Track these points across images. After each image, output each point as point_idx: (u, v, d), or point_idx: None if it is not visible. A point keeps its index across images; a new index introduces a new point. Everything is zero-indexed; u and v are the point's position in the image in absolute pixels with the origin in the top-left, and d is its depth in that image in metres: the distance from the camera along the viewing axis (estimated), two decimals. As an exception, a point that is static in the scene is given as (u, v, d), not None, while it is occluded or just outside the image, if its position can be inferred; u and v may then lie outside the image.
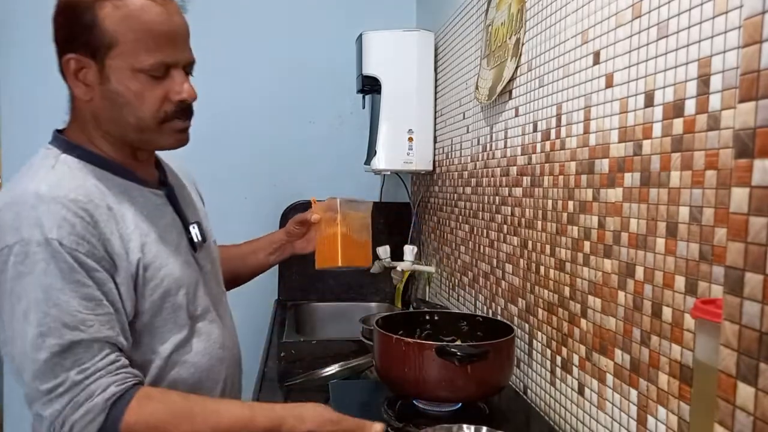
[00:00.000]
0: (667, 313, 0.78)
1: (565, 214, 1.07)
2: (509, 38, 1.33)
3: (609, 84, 0.92)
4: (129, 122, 0.91)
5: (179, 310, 0.95)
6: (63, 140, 0.94)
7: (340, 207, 1.16)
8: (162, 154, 1.08)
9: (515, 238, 1.32)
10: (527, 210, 1.25)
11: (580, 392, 1.02)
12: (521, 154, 1.28)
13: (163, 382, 0.94)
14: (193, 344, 0.98)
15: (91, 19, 0.86)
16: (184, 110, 0.93)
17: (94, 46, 0.87)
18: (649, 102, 0.81)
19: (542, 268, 1.17)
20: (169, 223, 0.98)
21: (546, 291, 1.16)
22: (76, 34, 0.87)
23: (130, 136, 0.93)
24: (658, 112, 0.80)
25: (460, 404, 1.09)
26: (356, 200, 1.25)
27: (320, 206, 1.26)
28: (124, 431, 0.81)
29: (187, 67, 0.94)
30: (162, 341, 0.94)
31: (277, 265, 2.29)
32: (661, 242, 0.79)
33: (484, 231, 1.53)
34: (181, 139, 0.96)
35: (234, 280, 1.30)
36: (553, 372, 1.13)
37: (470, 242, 1.66)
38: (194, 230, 1.03)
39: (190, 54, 0.94)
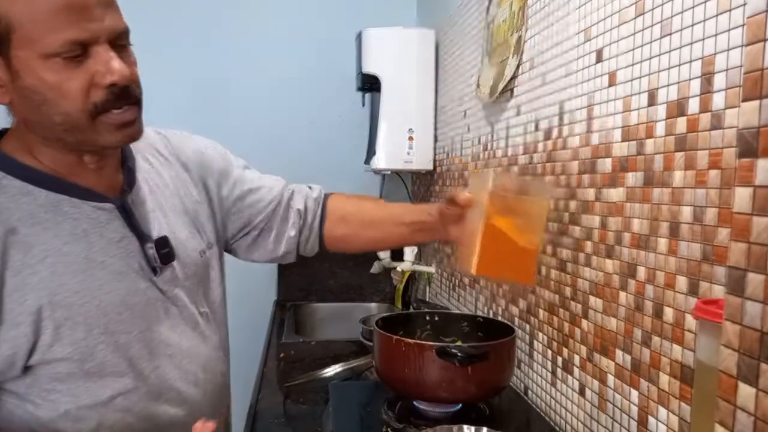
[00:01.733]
0: (668, 313, 0.78)
1: (566, 214, 1.07)
2: (511, 35, 1.32)
3: (612, 82, 0.91)
4: (55, 122, 0.74)
5: (114, 349, 0.80)
6: None
7: (491, 187, 0.77)
8: (158, 136, 0.97)
9: (516, 237, 1.32)
10: (528, 209, 1.25)
11: (581, 393, 1.01)
12: (523, 153, 1.28)
13: None
14: (140, 392, 0.84)
15: None
16: (119, 95, 0.75)
17: None
18: (652, 100, 0.81)
19: (543, 268, 1.17)
20: (113, 242, 0.82)
21: (547, 291, 1.15)
22: None
23: (66, 139, 0.77)
24: (661, 110, 0.79)
25: (461, 405, 1.09)
26: (529, 179, 0.82)
27: (476, 180, 0.90)
28: None
29: (117, 39, 0.75)
30: (99, 391, 0.80)
31: (276, 265, 2.32)
32: (663, 242, 0.78)
33: (485, 230, 1.53)
34: (127, 134, 0.78)
35: (361, 247, 1.13)
36: (554, 373, 1.12)
37: (471, 242, 1.65)
38: (151, 251, 0.84)
39: (114, 21, 0.74)
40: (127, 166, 0.88)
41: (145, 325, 0.84)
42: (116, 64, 0.73)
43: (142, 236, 0.85)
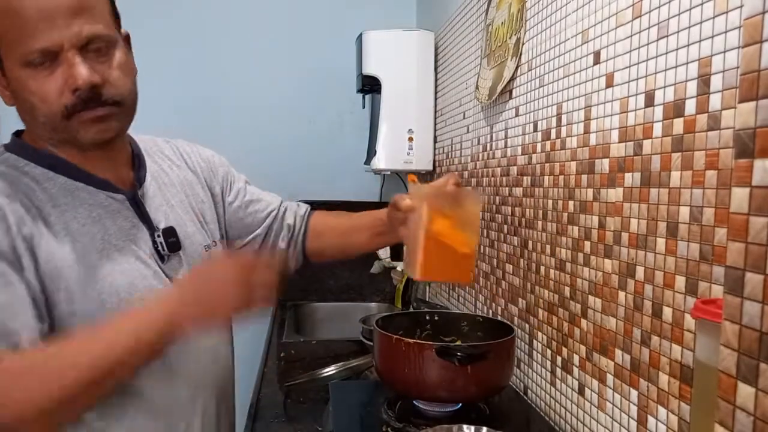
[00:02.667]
0: (667, 313, 0.78)
1: (565, 214, 1.07)
2: (509, 38, 1.32)
3: (609, 84, 0.92)
4: (41, 122, 0.81)
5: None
6: (12, 140, 0.88)
7: (427, 198, 0.82)
8: (167, 144, 1.03)
9: (515, 238, 1.32)
10: (527, 210, 1.25)
11: (581, 392, 1.02)
12: (521, 154, 1.28)
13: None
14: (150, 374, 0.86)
15: None
16: (86, 99, 0.79)
17: None
18: (650, 102, 0.81)
19: (542, 268, 1.17)
20: (124, 230, 0.87)
21: (546, 291, 1.16)
22: None
23: (54, 137, 0.84)
24: (658, 111, 0.79)
25: (460, 405, 1.09)
26: (460, 189, 0.89)
27: (416, 189, 0.92)
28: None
29: (90, 44, 0.79)
30: None
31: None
32: (661, 242, 0.79)
33: (485, 231, 1.53)
34: (102, 129, 0.82)
35: (322, 253, 1.19)
36: (553, 372, 1.13)
37: (470, 242, 1.66)
38: (159, 239, 0.90)
39: (82, 28, 0.77)
40: (137, 165, 0.94)
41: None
42: (79, 69, 0.78)
43: (150, 226, 0.90)
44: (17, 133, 0.89)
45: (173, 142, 1.07)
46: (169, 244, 0.91)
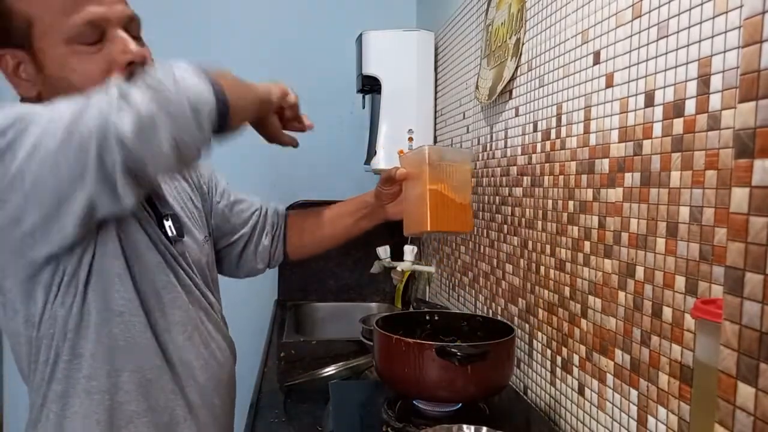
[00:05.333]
0: (667, 313, 0.78)
1: (565, 214, 1.07)
2: (509, 38, 1.33)
3: (609, 84, 0.92)
4: None
5: (131, 324, 0.83)
6: None
7: (429, 157, 0.91)
8: None
9: (515, 238, 1.32)
10: (527, 210, 1.25)
11: (581, 392, 1.02)
12: (521, 154, 1.28)
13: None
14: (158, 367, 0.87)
15: (2, 7, 0.76)
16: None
17: (17, 34, 0.77)
18: (650, 102, 0.81)
19: (542, 268, 1.17)
20: (135, 214, 0.86)
21: (546, 291, 1.16)
22: None
23: None
24: (658, 111, 0.80)
25: (460, 404, 1.09)
26: (452, 149, 0.99)
27: (408, 159, 1.01)
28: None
29: (129, 26, 0.81)
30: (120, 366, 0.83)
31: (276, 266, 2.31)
32: (661, 242, 0.79)
33: (484, 231, 1.53)
34: None
35: (303, 247, 1.20)
36: (553, 372, 1.13)
37: (470, 242, 1.66)
38: (168, 222, 0.91)
39: (124, 9, 0.80)
40: None
41: (166, 294, 0.87)
42: (132, 45, 0.78)
43: (157, 213, 0.91)
44: None
45: None
46: (176, 229, 0.92)
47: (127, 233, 0.84)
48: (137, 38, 0.82)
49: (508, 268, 1.37)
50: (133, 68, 0.79)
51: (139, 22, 0.83)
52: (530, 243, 1.24)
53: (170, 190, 0.98)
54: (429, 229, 0.92)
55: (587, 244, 0.99)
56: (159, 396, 0.87)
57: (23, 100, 0.83)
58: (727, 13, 0.67)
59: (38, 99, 0.80)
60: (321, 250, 1.24)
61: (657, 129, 0.80)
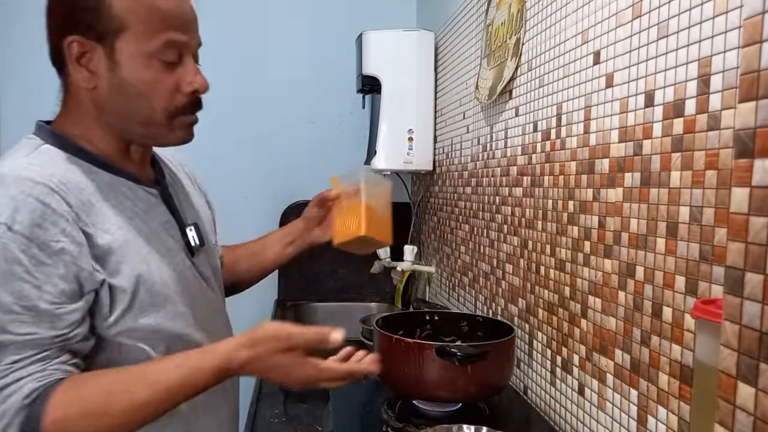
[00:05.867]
0: (667, 313, 0.78)
1: (565, 214, 1.07)
2: (509, 38, 1.33)
3: (609, 84, 0.92)
4: (139, 114, 0.84)
5: (163, 319, 0.85)
6: (48, 131, 0.86)
7: (365, 177, 1.04)
8: (164, 150, 1.02)
9: (515, 238, 1.32)
10: (527, 210, 1.25)
11: (581, 392, 1.02)
12: (521, 154, 1.28)
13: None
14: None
15: (96, 1, 0.80)
16: (195, 103, 0.87)
17: (101, 29, 0.80)
18: (650, 102, 0.81)
19: (542, 268, 1.17)
20: (161, 223, 0.89)
21: (546, 291, 1.16)
22: (79, 17, 0.80)
23: (134, 131, 0.86)
24: (658, 112, 0.80)
25: (460, 404, 1.09)
26: (377, 176, 1.13)
27: (340, 182, 1.13)
28: (49, 429, 0.71)
29: (196, 53, 0.89)
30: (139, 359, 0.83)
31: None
32: (661, 242, 0.79)
33: (484, 231, 1.53)
34: (188, 134, 0.89)
35: (237, 283, 1.19)
36: (553, 372, 1.13)
37: (470, 242, 1.66)
38: (191, 233, 0.93)
39: (199, 38, 0.90)
40: (156, 163, 0.97)
41: (190, 301, 0.89)
42: (200, 77, 0.86)
43: (180, 221, 0.93)
44: (44, 122, 0.88)
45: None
46: (199, 238, 0.95)
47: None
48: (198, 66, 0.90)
49: (508, 268, 1.37)
50: (195, 97, 0.86)
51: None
52: (530, 243, 1.24)
53: (186, 197, 1.01)
54: (364, 233, 1.01)
55: (587, 244, 0.99)
56: None
57: (69, 87, 0.85)
58: (727, 13, 0.67)
59: (93, 90, 0.83)
60: (253, 281, 1.24)
61: (657, 129, 0.80)
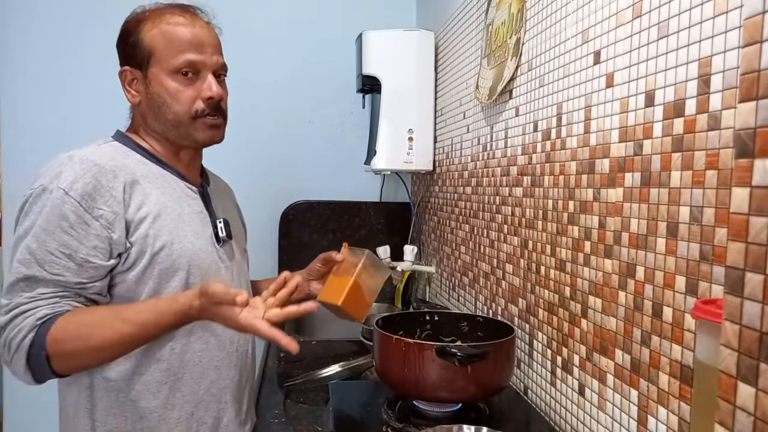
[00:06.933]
0: (667, 313, 0.78)
1: (565, 214, 1.07)
2: (509, 38, 1.32)
3: (609, 84, 0.92)
4: (167, 119, 1.07)
5: (184, 283, 1.03)
6: (119, 133, 1.12)
7: (364, 260, 1.12)
8: (222, 179, 1.30)
9: (515, 238, 1.32)
10: (527, 210, 1.25)
11: (581, 393, 1.02)
12: (521, 154, 1.28)
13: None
14: (197, 334, 1.06)
15: (136, 37, 1.06)
16: (213, 107, 1.08)
17: (139, 59, 1.06)
18: (650, 102, 0.81)
19: (543, 268, 1.17)
20: (195, 212, 1.09)
21: (546, 291, 1.16)
22: (128, 51, 1.08)
23: (170, 132, 1.08)
24: (658, 111, 0.79)
25: (460, 405, 1.09)
26: (380, 263, 1.21)
27: (348, 252, 1.22)
28: (50, 343, 0.92)
29: (218, 71, 1.10)
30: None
31: (276, 266, 2.32)
32: (661, 242, 0.79)
33: (485, 231, 1.53)
34: (214, 134, 1.10)
35: None
36: (553, 372, 1.13)
37: (470, 242, 1.66)
38: (220, 224, 1.13)
39: (219, 59, 1.10)
40: (204, 174, 1.21)
41: (206, 277, 1.05)
42: (215, 86, 1.08)
43: (213, 215, 1.14)
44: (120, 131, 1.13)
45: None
46: (226, 232, 1.14)
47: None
48: (221, 80, 1.12)
49: (509, 268, 1.37)
50: (211, 102, 1.07)
51: (226, 69, 1.13)
52: (530, 243, 1.24)
53: (226, 208, 1.23)
54: (340, 304, 1.08)
55: (587, 244, 0.99)
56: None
57: (131, 105, 1.12)
58: (727, 13, 0.67)
59: (138, 105, 1.09)
60: None
61: (657, 129, 0.80)
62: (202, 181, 1.18)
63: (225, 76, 1.14)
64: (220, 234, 1.13)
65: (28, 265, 0.95)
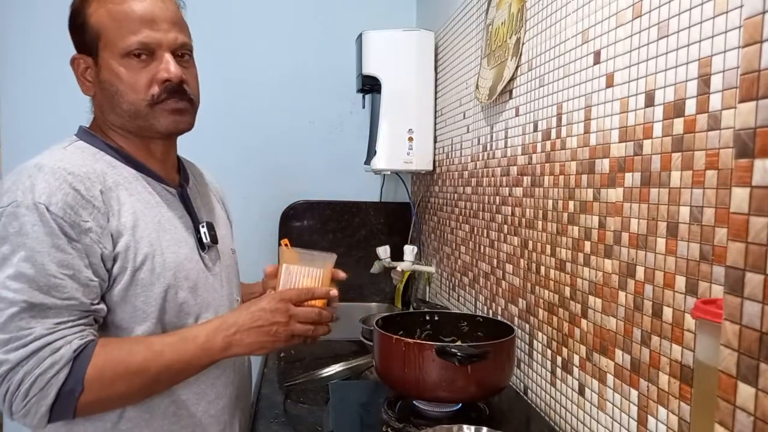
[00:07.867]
0: (667, 313, 0.78)
1: (565, 214, 1.07)
2: (509, 38, 1.32)
3: (609, 84, 0.92)
4: (123, 109, 0.94)
5: (169, 299, 0.93)
6: (83, 131, 0.99)
7: (281, 263, 1.04)
8: (198, 166, 1.17)
9: (515, 238, 1.32)
10: (527, 210, 1.25)
11: (581, 393, 1.02)
12: (521, 154, 1.28)
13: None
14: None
15: (82, 19, 0.93)
16: (174, 90, 0.94)
17: (88, 44, 0.94)
18: (650, 102, 0.81)
19: (543, 269, 1.17)
20: (176, 216, 0.98)
21: (546, 291, 1.16)
22: (77, 37, 0.95)
23: (129, 124, 0.96)
24: (658, 111, 0.79)
25: (461, 405, 1.09)
26: (314, 255, 1.10)
27: (287, 251, 1.09)
28: (90, 379, 0.83)
29: (178, 51, 0.95)
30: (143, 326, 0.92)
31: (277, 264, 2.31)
32: (661, 242, 0.79)
33: (485, 231, 1.53)
34: (177, 120, 0.96)
35: None
36: (553, 372, 1.13)
37: (470, 242, 1.66)
38: (203, 229, 1.02)
39: (177, 36, 0.95)
40: (181, 169, 1.08)
41: (192, 287, 0.97)
42: (172, 66, 0.93)
43: (195, 219, 1.02)
44: (85, 126, 1.01)
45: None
46: (211, 236, 1.03)
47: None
48: (184, 59, 0.97)
49: (508, 268, 1.37)
50: (168, 85, 0.93)
51: (191, 49, 0.99)
52: (530, 243, 1.24)
53: (208, 203, 1.11)
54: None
55: (587, 244, 0.99)
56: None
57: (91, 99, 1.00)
58: (727, 13, 0.67)
59: (93, 97, 0.97)
60: None
61: (657, 129, 0.80)
62: (180, 180, 1.05)
63: (190, 55, 0.99)
64: (204, 240, 1.01)
65: (28, 294, 0.81)
